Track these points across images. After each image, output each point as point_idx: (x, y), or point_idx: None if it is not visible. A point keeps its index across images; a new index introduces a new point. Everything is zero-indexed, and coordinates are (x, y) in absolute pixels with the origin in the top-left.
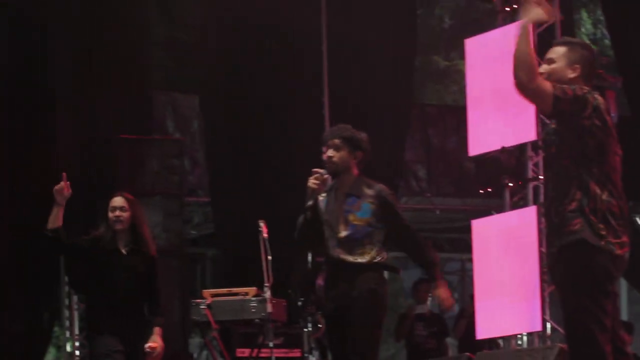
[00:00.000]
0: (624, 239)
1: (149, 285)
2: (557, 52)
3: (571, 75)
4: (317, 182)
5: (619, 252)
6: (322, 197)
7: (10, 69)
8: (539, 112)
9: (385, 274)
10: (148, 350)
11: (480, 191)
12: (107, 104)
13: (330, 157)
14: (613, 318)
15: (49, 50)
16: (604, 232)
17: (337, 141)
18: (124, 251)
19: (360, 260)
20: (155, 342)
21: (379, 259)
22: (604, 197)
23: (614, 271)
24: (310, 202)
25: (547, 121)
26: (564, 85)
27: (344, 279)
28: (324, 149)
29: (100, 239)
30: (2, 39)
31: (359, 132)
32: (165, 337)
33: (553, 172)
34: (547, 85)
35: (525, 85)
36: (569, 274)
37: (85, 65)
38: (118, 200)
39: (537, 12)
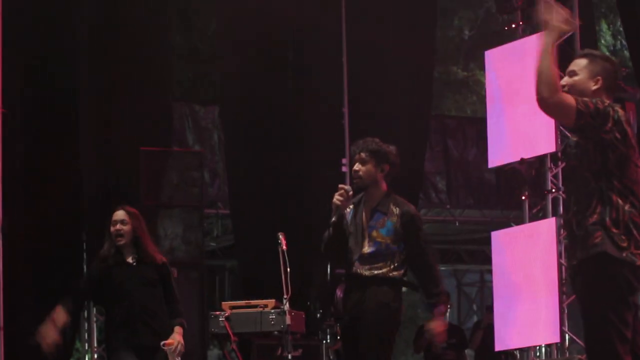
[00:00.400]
0: None
1: (164, 292)
2: (579, 64)
3: (593, 87)
4: (341, 198)
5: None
6: (349, 210)
7: (35, 80)
8: (560, 124)
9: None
10: (164, 348)
11: (522, 197)
12: (128, 115)
13: (356, 171)
14: (634, 329)
15: (72, 61)
16: (625, 244)
17: (363, 155)
18: (132, 262)
19: (376, 272)
20: (171, 339)
21: (395, 273)
22: (627, 208)
23: (635, 282)
24: (334, 219)
25: (568, 134)
26: (586, 99)
27: (358, 290)
28: (344, 160)
29: (107, 257)
30: (26, 53)
31: (387, 145)
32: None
33: (574, 185)
34: (570, 99)
35: (546, 100)
36: (590, 286)
37: (107, 77)
38: (119, 214)
39: (558, 26)
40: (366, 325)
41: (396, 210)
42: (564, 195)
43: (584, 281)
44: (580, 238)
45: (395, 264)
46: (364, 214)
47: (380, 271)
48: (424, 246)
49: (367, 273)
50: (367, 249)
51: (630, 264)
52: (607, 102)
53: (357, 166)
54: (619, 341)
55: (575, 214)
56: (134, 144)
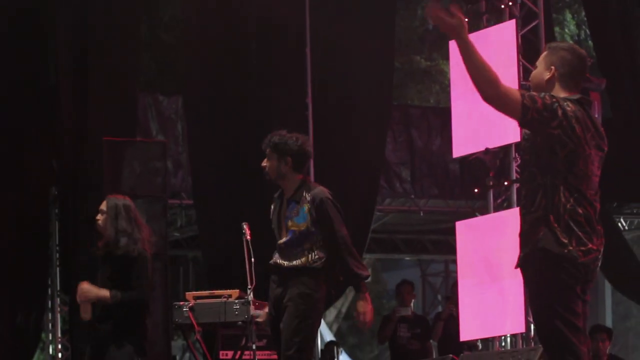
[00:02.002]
0: (590, 246)
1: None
2: (540, 57)
3: (546, 77)
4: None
5: (582, 259)
6: (273, 205)
7: (11, 69)
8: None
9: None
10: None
11: (476, 190)
12: (94, 106)
13: (264, 167)
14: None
15: (42, 51)
16: (565, 241)
17: (268, 150)
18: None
19: (295, 263)
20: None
21: (318, 263)
22: (568, 206)
23: (580, 275)
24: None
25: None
26: (533, 93)
27: (279, 283)
28: None
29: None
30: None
31: (291, 136)
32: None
33: (524, 179)
34: (515, 94)
35: (490, 96)
36: (534, 280)
37: (75, 70)
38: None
39: (454, 25)
40: (286, 318)
41: (308, 197)
42: None
43: (528, 276)
44: (525, 232)
45: (314, 254)
46: (282, 206)
47: (299, 261)
48: (335, 228)
49: (286, 264)
50: (283, 239)
51: (572, 259)
52: (556, 97)
53: (264, 162)
54: (569, 330)
55: (522, 206)
56: (99, 134)
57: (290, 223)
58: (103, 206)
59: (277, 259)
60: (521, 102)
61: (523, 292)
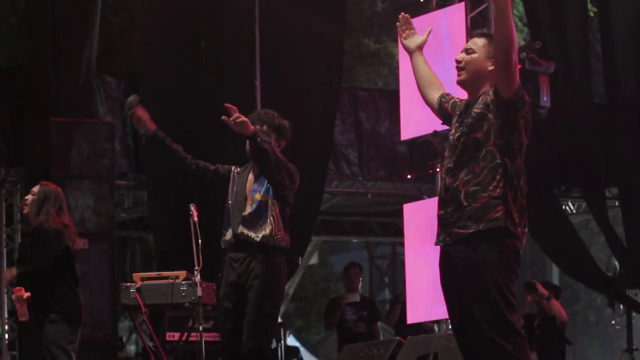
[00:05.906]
0: (526, 230)
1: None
2: (477, 43)
3: (490, 67)
4: None
5: (524, 241)
6: (237, 174)
7: None
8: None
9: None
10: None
11: (408, 176)
12: (45, 87)
13: None
14: None
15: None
16: (518, 221)
17: (265, 126)
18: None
19: (258, 235)
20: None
21: (277, 238)
22: (520, 187)
23: (519, 258)
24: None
25: (476, 109)
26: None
27: (242, 260)
28: None
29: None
30: None
31: (283, 120)
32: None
33: (470, 156)
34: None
35: (511, 57)
36: (486, 256)
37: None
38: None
39: None
40: (249, 301)
41: None
42: None
43: (481, 252)
44: (472, 209)
45: (274, 223)
46: (248, 181)
47: (264, 232)
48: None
49: (252, 234)
50: (248, 210)
51: (520, 242)
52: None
53: None
54: (507, 309)
55: (465, 183)
56: (49, 116)
57: (257, 195)
58: (35, 189)
59: (242, 229)
60: (519, 81)
61: None
